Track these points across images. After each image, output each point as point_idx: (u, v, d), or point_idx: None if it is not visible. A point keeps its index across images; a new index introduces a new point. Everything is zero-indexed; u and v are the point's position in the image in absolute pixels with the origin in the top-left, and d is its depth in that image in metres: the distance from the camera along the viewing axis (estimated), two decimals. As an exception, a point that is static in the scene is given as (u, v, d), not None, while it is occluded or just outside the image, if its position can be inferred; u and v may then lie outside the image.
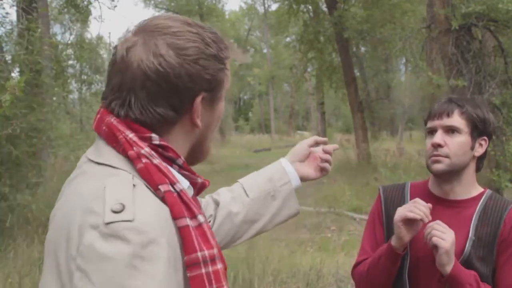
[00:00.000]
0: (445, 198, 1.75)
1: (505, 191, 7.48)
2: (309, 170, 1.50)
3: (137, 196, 0.91)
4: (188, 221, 0.95)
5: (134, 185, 0.93)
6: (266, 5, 39.81)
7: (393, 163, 12.80)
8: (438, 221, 1.61)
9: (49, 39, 8.27)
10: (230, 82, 1.10)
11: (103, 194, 0.91)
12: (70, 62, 14.04)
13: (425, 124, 1.79)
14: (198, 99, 1.01)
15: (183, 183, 1.03)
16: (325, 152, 1.51)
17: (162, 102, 0.98)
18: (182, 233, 0.94)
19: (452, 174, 1.71)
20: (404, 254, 1.68)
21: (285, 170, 1.48)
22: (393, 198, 1.85)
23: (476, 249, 1.66)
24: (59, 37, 17.79)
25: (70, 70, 14.73)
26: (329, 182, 11.21)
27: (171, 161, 1.03)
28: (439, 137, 1.69)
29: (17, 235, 6.13)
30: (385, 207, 1.85)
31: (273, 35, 39.21)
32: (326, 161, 1.51)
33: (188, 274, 0.93)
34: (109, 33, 61.94)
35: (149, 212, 0.90)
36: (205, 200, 1.47)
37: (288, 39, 27.72)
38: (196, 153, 1.11)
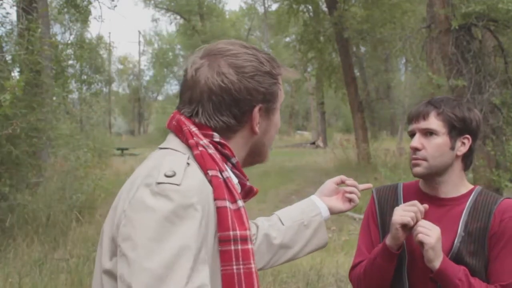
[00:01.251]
0: (435, 196, 1.77)
1: (505, 190, 7.49)
2: (336, 202, 1.64)
3: (188, 170, 1.10)
4: (227, 203, 1.12)
5: (188, 163, 1.12)
6: (266, 5, 39.80)
7: (393, 163, 12.80)
8: (423, 220, 1.64)
9: (50, 39, 8.26)
10: (283, 96, 1.29)
11: (161, 164, 1.11)
12: (70, 62, 14.03)
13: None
14: (256, 109, 1.20)
15: (233, 179, 1.19)
16: (350, 185, 1.64)
17: (226, 112, 1.18)
18: (219, 212, 1.10)
19: (433, 175, 1.74)
20: (399, 253, 1.69)
21: (315, 203, 1.62)
22: (387, 198, 1.87)
23: (467, 244, 1.68)
24: (59, 37, 17.78)
25: (70, 70, 14.72)
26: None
27: (226, 158, 1.20)
28: (416, 140, 1.72)
29: (17, 235, 6.14)
30: (379, 208, 1.87)
31: (273, 35, 39.17)
32: (352, 192, 1.63)
33: (219, 248, 1.10)
34: (109, 33, 61.85)
35: (195, 183, 1.08)
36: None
37: (288, 39, 27.70)
38: (255, 156, 1.30)
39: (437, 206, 1.75)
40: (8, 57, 7.45)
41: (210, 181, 1.12)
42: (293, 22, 19.28)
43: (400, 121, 30.07)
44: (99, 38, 27.11)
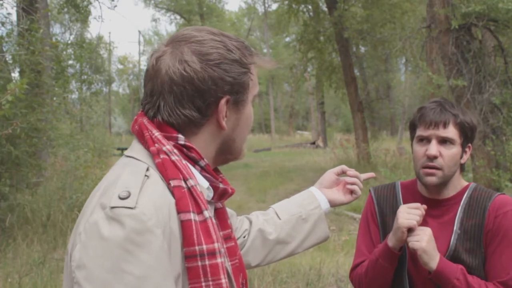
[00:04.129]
0: (433, 199, 1.78)
1: (505, 190, 7.49)
2: (337, 194, 1.56)
3: (146, 186, 1.01)
4: (192, 216, 1.02)
5: (147, 176, 1.03)
6: (266, 5, 39.81)
7: (393, 163, 12.83)
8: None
9: (50, 40, 8.27)
10: (257, 87, 1.17)
11: (117, 180, 1.02)
12: (70, 62, 14.04)
13: (412, 127, 1.79)
14: (223, 101, 1.08)
15: (203, 184, 1.11)
16: (351, 176, 1.55)
17: (188, 105, 1.07)
18: (183, 226, 1.01)
19: (442, 184, 1.74)
20: (400, 254, 1.70)
21: (314, 195, 1.53)
22: (386, 198, 1.87)
23: (463, 242, 1.69)
24: (59, 37, 17.79)
25: (70, 70, 14.74)
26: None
27: (193, 162, 1.11)
28: (434, 148, 1.69)
29: (17, 235, 6.14)
30: (378, 207, 1.86)
31: (273, 35, 39.19)
32: (354, 184, 1.55)
33: (186, 265, 1.01)
34: (109, 33, 62.00)
35: (151, 203, 0.98)
36: (240, 218, 1.53)
37: (288, 39, 27.75)
38: (225, 154, 1.18)
39: (436, 207, 1.76)
40: (9, 57, 7.45)
41: (172, 192, 1.03)
42: (293, 22, 19.31)
43: (400, 121, 30.12)
44: (99, 38, 27.16)
